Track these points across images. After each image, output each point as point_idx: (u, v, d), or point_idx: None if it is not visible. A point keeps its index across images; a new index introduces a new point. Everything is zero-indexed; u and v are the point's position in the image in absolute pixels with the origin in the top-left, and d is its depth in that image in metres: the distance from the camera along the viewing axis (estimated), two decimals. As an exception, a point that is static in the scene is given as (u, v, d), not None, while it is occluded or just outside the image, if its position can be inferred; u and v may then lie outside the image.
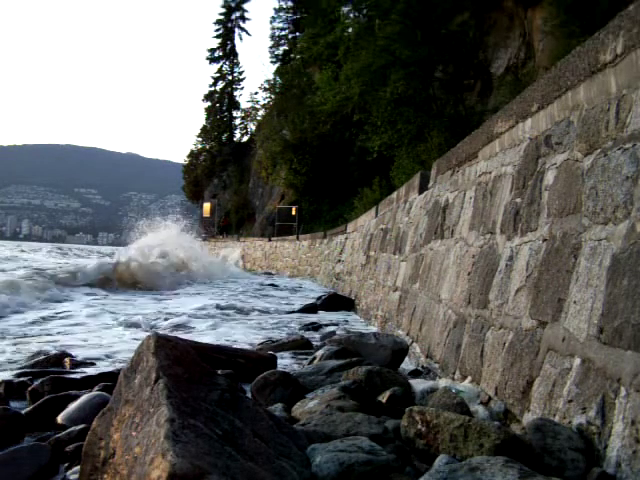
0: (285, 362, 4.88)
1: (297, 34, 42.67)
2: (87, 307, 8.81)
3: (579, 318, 2.19)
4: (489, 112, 14.56)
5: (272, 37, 46.52)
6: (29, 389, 3.61)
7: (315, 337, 6.44)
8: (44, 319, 7.39)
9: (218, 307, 9.46)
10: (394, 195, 8.72)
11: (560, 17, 12.55)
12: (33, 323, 7.01)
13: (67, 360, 4.64)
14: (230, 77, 51.28)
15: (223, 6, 51.42)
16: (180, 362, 2.05)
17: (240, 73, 51.94)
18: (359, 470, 1.94)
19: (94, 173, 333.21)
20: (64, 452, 2.47)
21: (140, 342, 2.16)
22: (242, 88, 63.40)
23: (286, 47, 45.31)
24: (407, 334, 5.48)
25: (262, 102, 42.41)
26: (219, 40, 51.26)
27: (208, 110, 51.27)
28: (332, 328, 7.52)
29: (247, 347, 5.48)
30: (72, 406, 3.08)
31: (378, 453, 2.03)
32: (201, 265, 19.83)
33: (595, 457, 1.93)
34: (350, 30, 26.09)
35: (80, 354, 4.99)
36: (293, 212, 31.23)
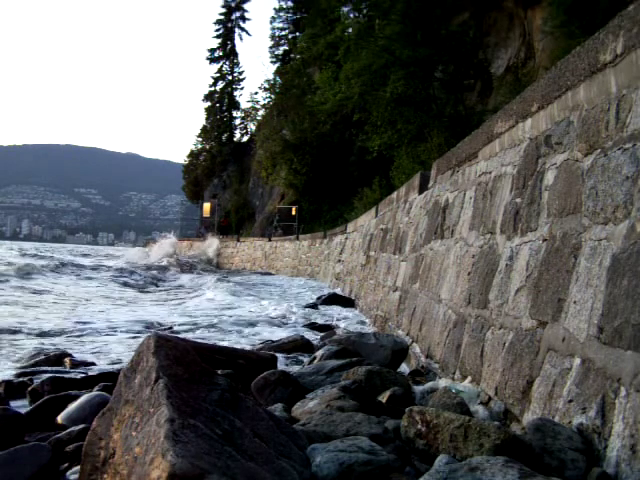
0: (285, 362, 4.88)
1: (297, 34, 42.66)
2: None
3: (579, 318, 2.19)
4: (489, 112, 14.56)
5: (272, 37, 46.57)
6: (29, 389, 3.61)
7: (315, 337, 6.44)
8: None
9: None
10: (394, 195, 8.72)
11: (560, 17, 12.54)
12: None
13: (67, 360, 4.65)
14: (230, 77, 51.29)
15: (223, 6, 51.46)
16: (180, 362, 2.05)
17: (240, 73, 51.98)
18: (359, 470, 1.94)
19: (94, 173, 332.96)
20: (64, 452, 2.47)
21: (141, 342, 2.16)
22: (242, 88, 63.39)
23: (286, 47, 45.31)
24: (407, 334, 5.48)
25: (262, 102, 42.41)
26: (219, 40, 51.30)
27: (208, 110, 51.27)
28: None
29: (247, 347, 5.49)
30: (72, 406, 3.08)
31: (378, 453, 2.02)
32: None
33: (595, 457, 1.93)
34: (350, 30, 26.07)
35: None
36: (293, 212, 31.23)
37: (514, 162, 3.36)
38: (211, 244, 33.65)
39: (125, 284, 16.73)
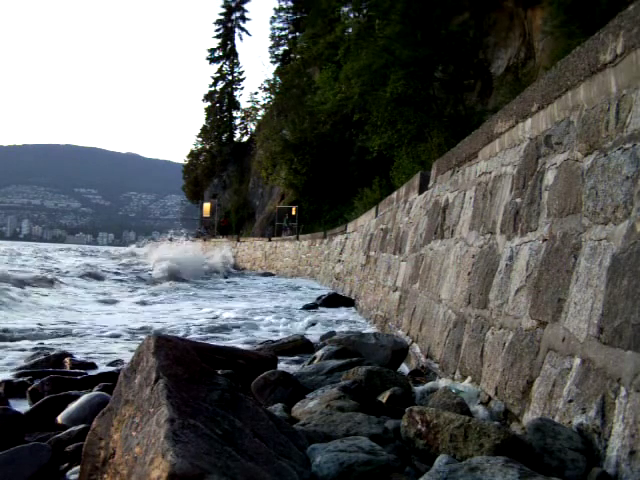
0: (285, 362, 4.88)
1: (297, 34, 42.71)
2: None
3: (579, 318, 2.19)
4: (489, 112, 14.57)
5: (272, 37, 46.64)
6: (29, 389, 3.61)
7: (315, 336, 6.44)
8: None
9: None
10: (394, 195, 8.72)
11: (560, 17, 12.55)
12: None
13: (67, 360, 4.65)
14: (230, 77, 51.34)
15: (223, 6, 51.53)
16: (180, 362, 2.05)
17: (240, 73, 52.05)
18: (359, 470, 1.94)
19: (94, 173, 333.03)
20: (64, 452, 2.46)
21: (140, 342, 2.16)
22: (242, 88, 63.48)
23: (286, 47, 45.36)
24: (407, 334, 5.48)
25: (262, 102, 42.46)
26: (219, 40, 51.36)
27: (208, 110, 51.32)
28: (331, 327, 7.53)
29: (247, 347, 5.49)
30: (72, 406, 3.08)
31: (378, 453, 2.02)
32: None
33: (595, 457, 1.93)
34: (350, 30, 26.09)
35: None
36: (293, 212, 31.24)
37: (514, 162, 3.36)
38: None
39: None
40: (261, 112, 43.30)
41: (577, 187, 2.43)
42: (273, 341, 5.88)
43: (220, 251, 30.36)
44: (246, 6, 52.23)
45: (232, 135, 51.01)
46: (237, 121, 51.22)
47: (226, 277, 21.59)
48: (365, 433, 2.26)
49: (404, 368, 4.74)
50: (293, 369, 4.28)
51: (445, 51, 17.05)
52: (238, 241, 33.28)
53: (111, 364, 4.82)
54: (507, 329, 2.93)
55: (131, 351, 4.83)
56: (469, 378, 3.34)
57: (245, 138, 49.85)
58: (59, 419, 3.00)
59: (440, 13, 17.05)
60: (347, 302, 10.90)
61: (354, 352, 4.21)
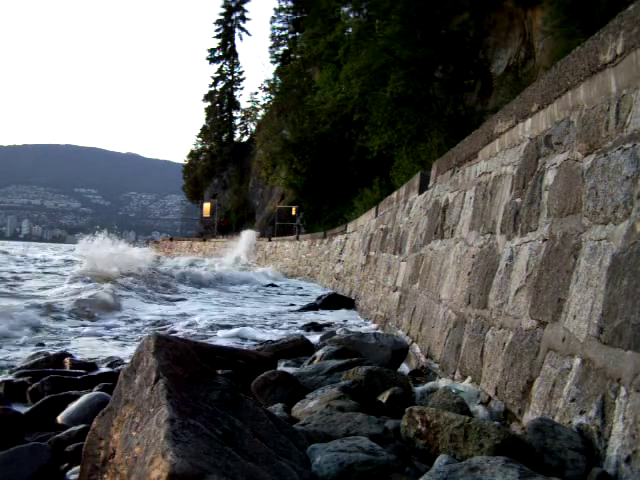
0: (285, 362, 4.87)
1: (297, 34, 42.72)
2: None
3: (579, 318, 2.19)
4: (489, 112, 14.57)
5: (272, 37, 46.66)
6: (29, 389, 3.61)
7: (315, 337, 6.43)
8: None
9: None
10: (394, 195, 8.72)
11: (560, 17, 12.56)
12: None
13: (67, 360, 4.64)
14: (230, 77, 51.40)
15: (223, 6, 51.59)
16: (180, 362, 2.05)
17: (240, 73, 52.12)
18: (359, 470, 1.94)
19: (94, 173, 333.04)
20: (64, 452, 2.46)
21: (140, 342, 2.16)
22: (242, 88, 63.65)
23: (286, 47, 45.37)
24: (407, 334, 5.48)
25: (262, 102, 42.50)
26: (219, 40, 51.42)
27: (208, 110, 51.36)
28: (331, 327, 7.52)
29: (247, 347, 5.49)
30: (72, 406, 3.08)
31: (378, 453, 2.02)
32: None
33: (595, 457, 1.93)
34: (350, 30, 26.10)
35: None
36: (293, 212, 31.22)
37: (514, 162, 3.36)
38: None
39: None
40: (261, 112, 43.39)
41: (577, 187, 2.43)
42: (273, 341, 5.87)
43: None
44: (246, 6, 52.36)
45: (232, 135, 51.07)
46: (237, 121, 51.35)
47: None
48: (365, 433, 2.26)
49: (404, 368, 4.74)
50: (293, 369, 4.28)
51: (445, 51, 17.07)
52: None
53: (111, 364, 4.81)
54: (507, 329, 2.93)
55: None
56: (469, 378, 3.34)
57: (245, 138, 49.93)
58: (59, 419, 3.00)
59: (440, 13, 17.07)
60: (347, 302, 10.89)
61: (354, 352, 4.20)
